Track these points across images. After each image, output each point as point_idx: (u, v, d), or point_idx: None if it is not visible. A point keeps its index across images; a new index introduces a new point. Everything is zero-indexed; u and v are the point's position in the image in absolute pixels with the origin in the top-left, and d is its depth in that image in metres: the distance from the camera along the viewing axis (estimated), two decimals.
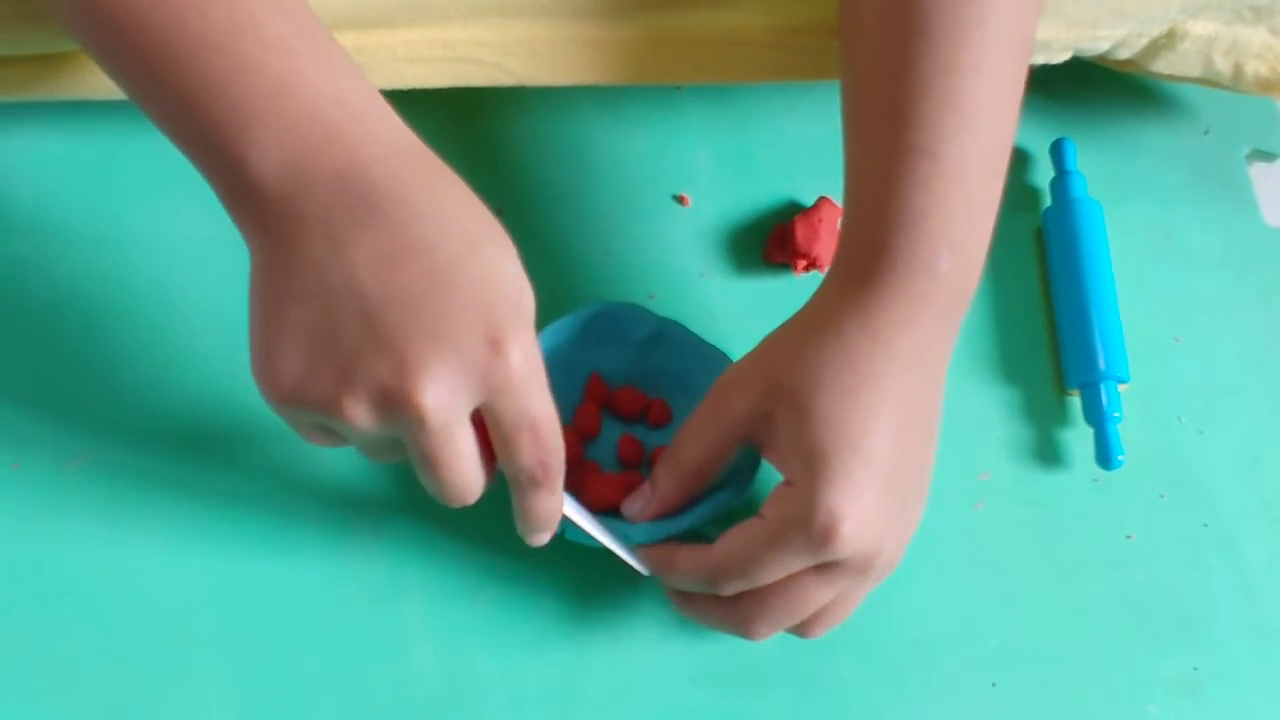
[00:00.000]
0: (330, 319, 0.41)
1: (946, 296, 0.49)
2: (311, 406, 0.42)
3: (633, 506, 0.53)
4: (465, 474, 0.44)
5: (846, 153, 0.52)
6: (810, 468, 0.47)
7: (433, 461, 0.43)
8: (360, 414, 0.41)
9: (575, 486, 0.55)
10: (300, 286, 0.41)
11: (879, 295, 0.49)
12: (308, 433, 0.45)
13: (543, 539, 0.49)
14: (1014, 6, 0.50)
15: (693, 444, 0.52)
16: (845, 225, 0.52)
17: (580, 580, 0.55)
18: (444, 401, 0.41)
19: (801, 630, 0.51)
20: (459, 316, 0.41)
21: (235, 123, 0.41)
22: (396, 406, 0.41)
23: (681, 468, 0.52)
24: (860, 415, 0.47)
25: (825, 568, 0.48)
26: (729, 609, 0.51)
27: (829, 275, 0.52)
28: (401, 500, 0.55)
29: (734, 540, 0.49)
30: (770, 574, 0.48)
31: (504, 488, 0.47)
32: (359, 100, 0.43)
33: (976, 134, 0.49)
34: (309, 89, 0.41)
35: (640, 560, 0.52)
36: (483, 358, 0.41)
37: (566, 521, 0.53)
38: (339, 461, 0.55)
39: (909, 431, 0.49)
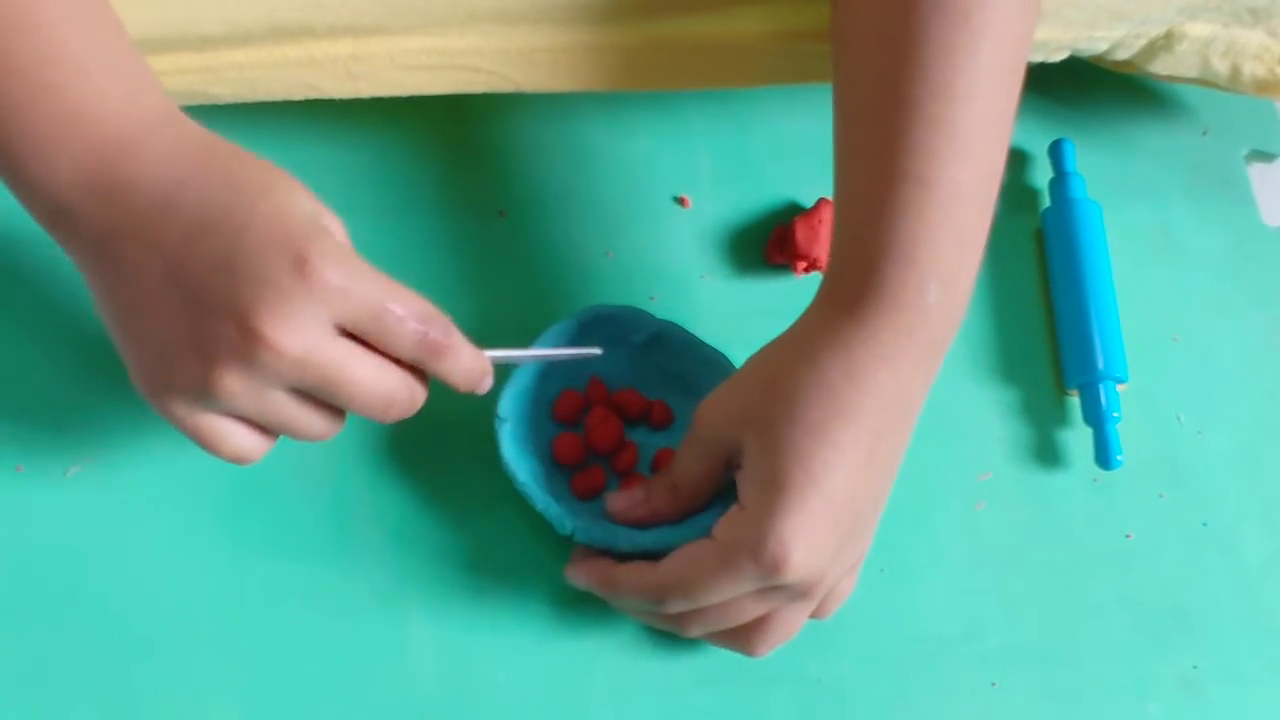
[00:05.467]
0: (166, 314, 0.43)
1: (931, 330, 0.49)
2: (191, 401, 0.44)
3: (619, 503, 0.54)
4: (371, 376, 0.44)
5: (836, 176, 0.52)
6: (766, 496, 0.47)
7: (334, 383, 0.44)
8: (234, 381, 0.42)
9: (581, 489, 0.56)
10: (133, 300, 0.44)
11: (861, 327, 0.48)
12: (224, 433, 0.45)
13: (484, 386, 0.49)
14: (1006, 35, 0.50)
15: (680, 463, 0.53)
16: (834, 248, 0.51)
17: None
18: (292, 330, 0.42)
19: (747, 649, 0.52)
20: (265, 256, 0.42)
21: (35, 148, 0.43)
22: (256, 356, 0.42)
23: (674, 485, 0.53)
24: (825, 450, 0.47)
25: (765, 590, 0.49)
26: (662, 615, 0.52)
27: (815, 299, 0.51)
28: (404, 500, 0.55)
29: (682, 560, 0.49)
30: (716, 596, 0.49)
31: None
32: (150, 110, 0.44)
33: (968, 163, 0.49)
34: (104, 110, 0.43)
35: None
36: (298, 282, 0.42)
37: (573, 522, 0.53)
38: (341, 462, 0.55)
39: (873, 467, 0.49)
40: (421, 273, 0.60)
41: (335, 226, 0.46)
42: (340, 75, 0.55)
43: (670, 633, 0.53)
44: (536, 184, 0.63)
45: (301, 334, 0.42)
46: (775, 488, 0.47)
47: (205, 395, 0.43)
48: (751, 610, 0.50)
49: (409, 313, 0.44)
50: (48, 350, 0.56)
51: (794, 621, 0.52)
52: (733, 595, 0.49)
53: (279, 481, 0.55)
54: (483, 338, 0.59)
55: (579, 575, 0.53)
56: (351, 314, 0.43)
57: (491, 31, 0.55)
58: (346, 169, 0.62)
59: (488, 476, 0.54)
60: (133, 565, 0.53)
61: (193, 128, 0.45)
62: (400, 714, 0.52)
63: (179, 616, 0.53)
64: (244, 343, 0.42)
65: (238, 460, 0.46)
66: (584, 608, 0.55)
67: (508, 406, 0.55)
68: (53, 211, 0.44)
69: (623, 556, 0.53)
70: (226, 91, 0.55)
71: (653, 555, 0.51)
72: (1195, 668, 0.59)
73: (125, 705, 0.51)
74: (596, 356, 0.54)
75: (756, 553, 0.47)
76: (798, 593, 0.49)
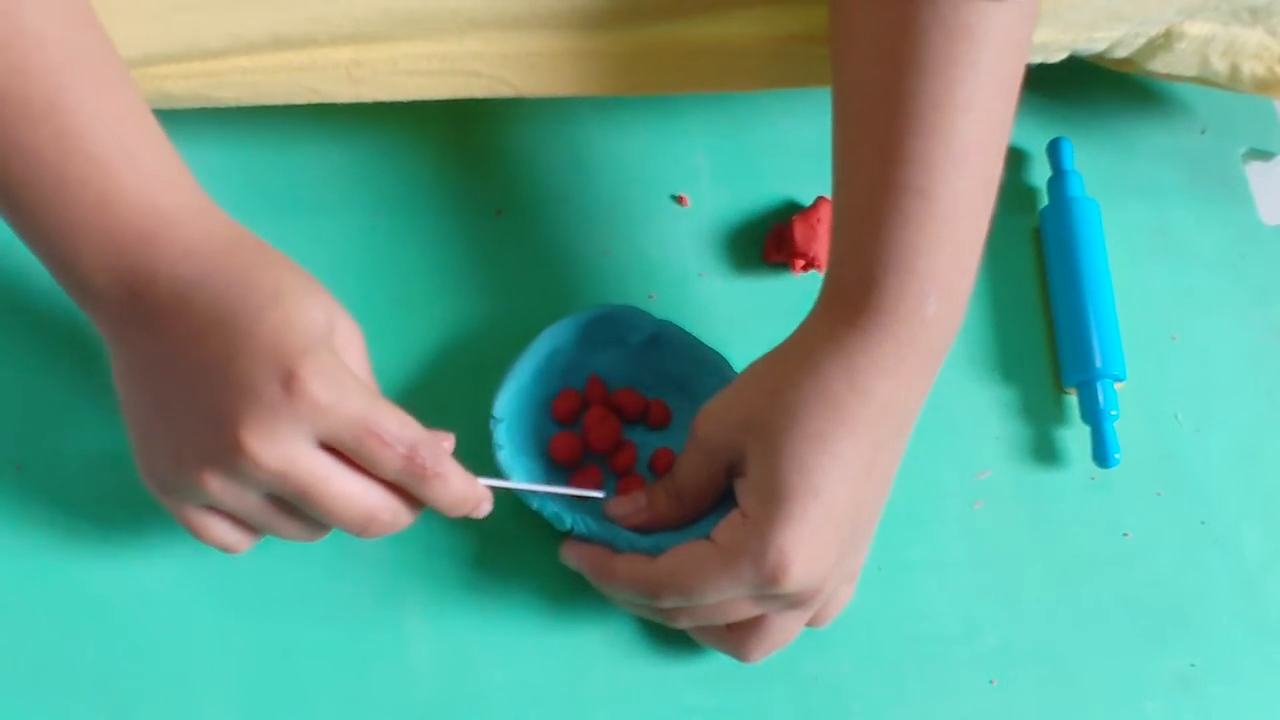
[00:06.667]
0: (165, 405, 0.45)
1: (931, 340, 0.49)
2: (182, 491, 0.45)
3: (619, 509, 0.54)
4: (350, 493, 0.45)
5: (835, 184, 0.52)
6: (769, 506, 0.48)
7: (311, 496, 0.44)
8: (215, 483, 0.43)
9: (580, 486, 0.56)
10: (138, 385, 0.45)
11: (863, 337, 0.48)
12: (209, 526, 0.47)
13: (480, 512, 0.48)
14: (1006, 45, 0.50)
15: (681, 470, 0.53)
16: (833, 258, 0.52)
17: (581, 581, 0.55)
18: (272, 444, 0.42)
19: (741, 655, 0.52)
20: (258, 367, 0.42)
21: (64, 235, 0.44)
22: (236, 464, 0.43)
23: (677, 491, 0.53)
24: (826, 460, 0.48)
25: (762, 595, 0.49)
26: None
27: (815, 307, 0.52)
28: None
29: (680, 559, 0.50)
30: (712, 596, 0.49)
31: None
32: (172, 203, 0.45)
33: (966, 173, 0.49)
34: (125, 202, 0.44)
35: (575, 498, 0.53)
36: (282, 396, 0.42)
37: (572, 517, 0.53)
38: None
39: (873, 476, 0.49)
40: (421, 272, 0.60)
41: (351, 336, 0.47)
42: (342, 79, 0.55)
43: (662, 627, 0.54)
44: (535, 183, 0.63)
45: (280, 448, 0.42)
46: (777, 497, 0.48)
47: (191, 491, 0.44)
48: (745, 611, 0.50)
49: (394, 436, 0.44)
50: (49, 349, 0.56)
51: (790, 629, 0.52)
52: (728, 597, 0.49)
53: None
54: (483, 336, 0.59)
55: (573, 556, 0.53)
56: (334, 432, 0.43)
57: (491, 37, 0.55)
58: (347, 169, 0.62)
59: (485, 476, 0.54)
60: (132, 564, 0.53)
61: (220, 222, 0.46)
62: (398, 714, 0.52)
63: (179, 616, 0.53)
64: (226, 450, 0.42)
65: (223, 550, 0.48)
66: (582, 608, 0.55)
67: (504, 406, 0.55)
68: (78, 290, 0.45)
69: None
70: (229, 95, 0.55)
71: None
72: (1193, 666, 0.59)
73: (123, 706, 0.51)
74: (599, 500, 0.54)
75: (757, 561, 0.47)
76: (795, 601, 0.49)
